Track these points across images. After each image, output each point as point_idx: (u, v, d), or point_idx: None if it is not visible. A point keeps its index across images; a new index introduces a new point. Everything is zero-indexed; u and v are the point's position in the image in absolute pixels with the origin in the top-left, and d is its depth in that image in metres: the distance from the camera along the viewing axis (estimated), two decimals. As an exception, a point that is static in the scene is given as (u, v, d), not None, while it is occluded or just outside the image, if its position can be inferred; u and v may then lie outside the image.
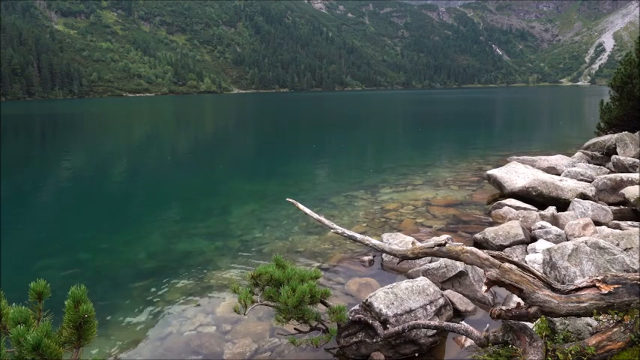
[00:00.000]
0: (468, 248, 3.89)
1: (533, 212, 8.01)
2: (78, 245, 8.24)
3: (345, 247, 7.24)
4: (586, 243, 4.90)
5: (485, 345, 3.58)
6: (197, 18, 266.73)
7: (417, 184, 11.83)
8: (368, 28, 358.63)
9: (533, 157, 12.48)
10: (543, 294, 3.22)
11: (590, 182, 9.37)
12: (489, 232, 6.95)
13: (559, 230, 6.91)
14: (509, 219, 7.88)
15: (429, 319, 4.31)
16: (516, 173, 9.97)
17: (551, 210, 7.91)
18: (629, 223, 7.06)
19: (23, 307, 2.41)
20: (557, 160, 11.99)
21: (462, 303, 5.11)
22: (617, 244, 5.34)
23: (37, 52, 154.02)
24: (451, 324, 3.99)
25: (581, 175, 10.06)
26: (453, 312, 4.87)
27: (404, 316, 4.30)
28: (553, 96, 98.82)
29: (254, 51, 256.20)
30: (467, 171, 13.52)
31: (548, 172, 10.67)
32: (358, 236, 5.05)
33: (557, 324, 3.74)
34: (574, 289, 3.22)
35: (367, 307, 4.43)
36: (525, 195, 9.11)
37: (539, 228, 7.04)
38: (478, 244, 6.85)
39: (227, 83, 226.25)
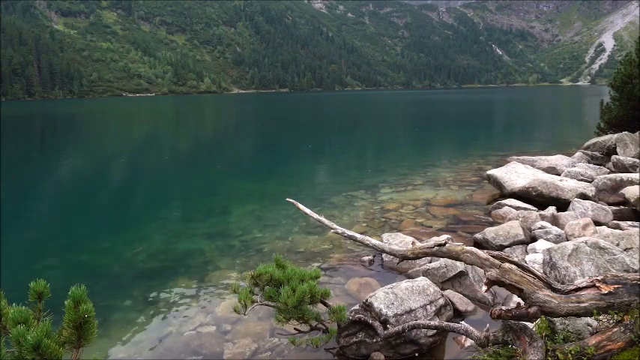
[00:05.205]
0: (468, 248, 3.88)
1: (533, 212, 8.00)
2: (78, 245, 8.24)
3: (345, 247, 7.24)
4: (586, 243, 4.90)
5: (486, 345, 3.57)
6: (197, 18, 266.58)
7: (417, 184, 11.83)
8: (368, 28, 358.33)
9: (533, 157, 12.48)
10: (543, 294, 3.22)
11: (590, 182, 9.36)
12: (489, 232, 6.94)
13: (559, 230, 6.90)
14: (509, 219, 7.88)
15: (429, 319, 4.31)
16: (516, 173, 9.96)
17: (551, 210, 7.91)
18: (629, 223, 7.06)
19: (23, 307, 2.40)
20: (557, 160, 11.99)
21: (462, 303, 5.11)
22: (617, 244, 5.34)
23: (37, 52, 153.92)
24: (451, 324, 3.99)
25: (581, 175, 10.06)
26: (453, 312, 4.87)
27: (404, 316, 4.30)
28: (553, 96, 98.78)
29: (254, 51, 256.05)
30: (467, 171, 13.52)
31: (548, 172, 10.66)
32: (358, 236, 5.05)
33: (557, 324, 3.74)
34: (574, 289, 3.22)
35: (367, 307, 4.42)
36: (525, 195, 9.11)
37: (539, 228, 7.04)
38: (478, 244, 6.85)
39: (227, 83, 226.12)
